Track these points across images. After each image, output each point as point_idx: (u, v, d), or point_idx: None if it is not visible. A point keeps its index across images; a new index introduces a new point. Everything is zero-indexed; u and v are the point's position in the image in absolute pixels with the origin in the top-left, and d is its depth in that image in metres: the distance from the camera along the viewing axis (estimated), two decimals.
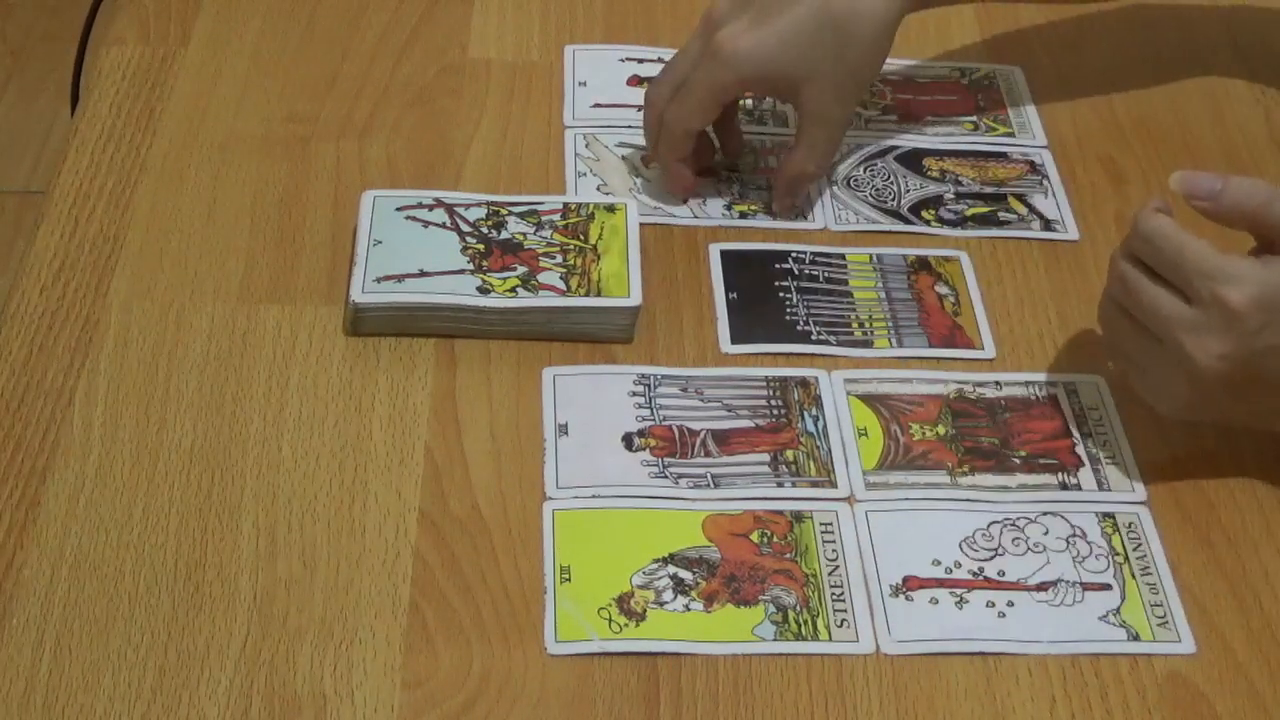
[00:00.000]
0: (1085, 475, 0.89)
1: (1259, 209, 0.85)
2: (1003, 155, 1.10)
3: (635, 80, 1.14)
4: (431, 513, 0.85)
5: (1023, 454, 0.90)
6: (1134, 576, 0.85)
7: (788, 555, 0.84)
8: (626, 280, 0.95)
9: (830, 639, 0.81)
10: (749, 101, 1.12)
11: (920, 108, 1.13)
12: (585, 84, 1.13)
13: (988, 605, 0.83)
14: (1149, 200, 0.86)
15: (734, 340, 0.96)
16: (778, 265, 1.01)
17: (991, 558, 0.85)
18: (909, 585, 0.83)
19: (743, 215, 1.04)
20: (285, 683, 0.77)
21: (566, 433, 0.89)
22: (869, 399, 0.93)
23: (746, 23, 0.98)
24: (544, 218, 0.99)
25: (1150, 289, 0.84)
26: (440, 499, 0.86)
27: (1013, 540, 0.86)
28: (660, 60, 1.15)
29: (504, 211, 0.99)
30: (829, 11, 0.97)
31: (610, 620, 0.81)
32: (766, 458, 0.89)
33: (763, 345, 0.96)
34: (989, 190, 1.07)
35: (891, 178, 1.08)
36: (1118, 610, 0.83)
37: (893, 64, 1.16)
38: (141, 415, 0.89)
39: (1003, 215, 1.06)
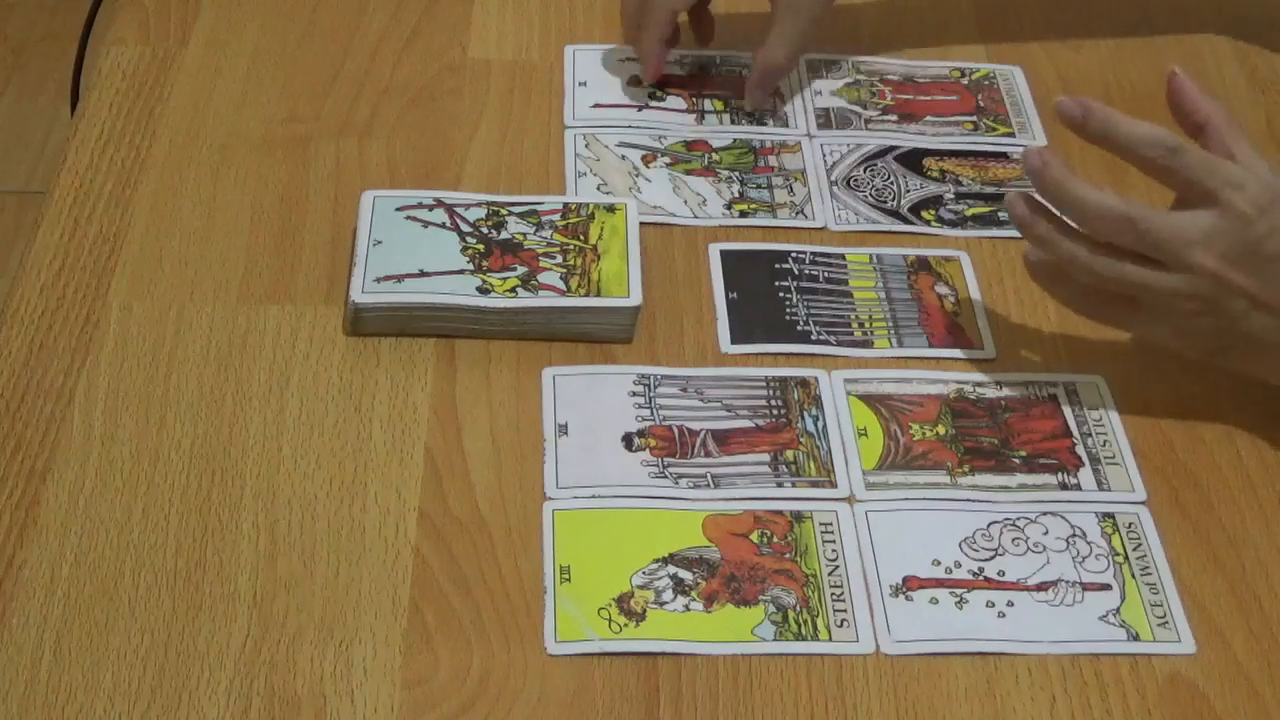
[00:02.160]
0: (1085, 475, 0.89)
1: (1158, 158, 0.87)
2: (1003, 155, 1.10)
3: (635, 80, 1.13)
4: (431, 513, 0.85)
5: (1023, 454, 0.90)
6: (1134, 576, 0.85)
7: (788, 555, 0.84)
8: (626, 280, 0.95)
9: (830, 639, 0.81)
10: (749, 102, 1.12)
11: (920, 108, 1.13)
12: (585, 84, 1.13)
13: (988, 605, 0.83)
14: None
15: (734, 340, 0.96)
16: (778, 265, 1.01)
17: (991, 558, 0.85)
18: (909, 585, 0.83)
19: (742, 215, 1.04)
20: (285, 683, 0.77)
21: (566, 433, 0.89)
22: (869, 399, 0.93)
23: None
24: (544, 218, 0.99)
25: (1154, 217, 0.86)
26: (440, 499, 0.86)
27: (1013, 540, 0.86)
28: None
29: (504, 211, 0.99)
30: None
31: (610, 620, 0.81)
32: (766, 458, 0.89)
33: (763, 345, 0.96)
34: (989, 190, 1.07)
35: (891, 178, 1.08)
36: (1118, 610, 0.83)
37: (893, 64, 1.17)
38: (141, 415, 0.89)
39: (1003, 215, 1.06)
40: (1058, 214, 0.89)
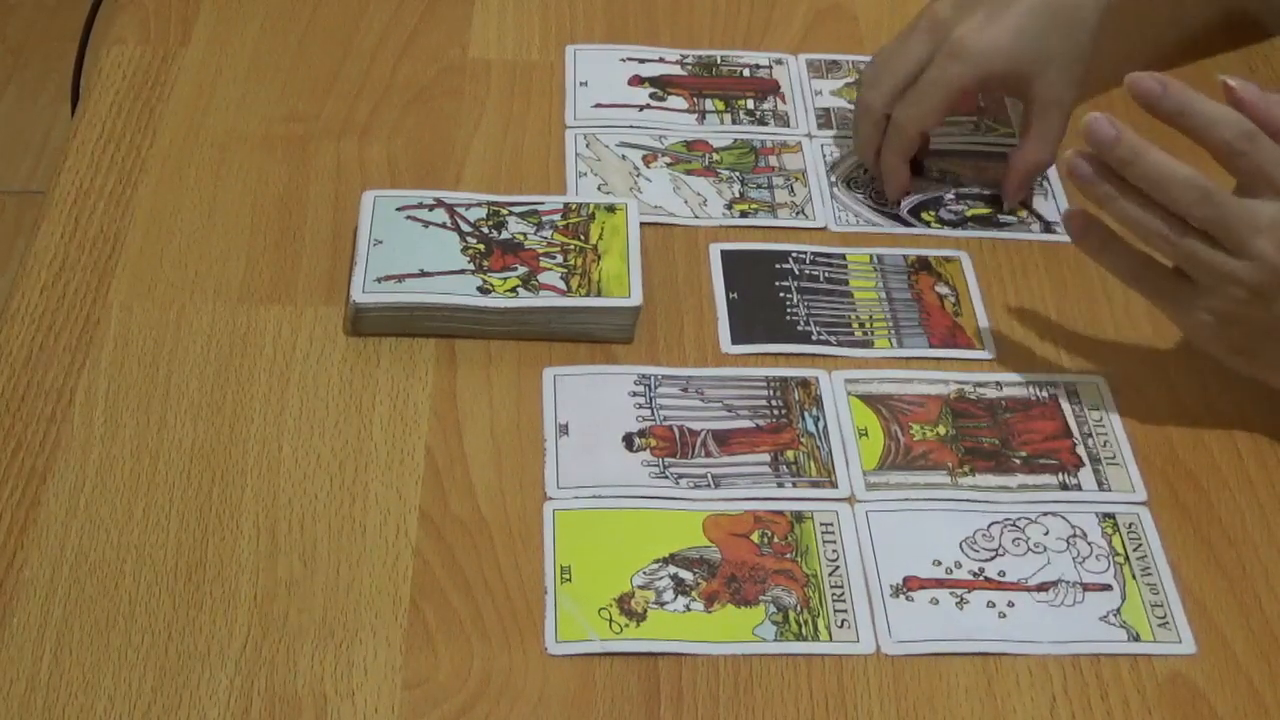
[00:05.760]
0: (1085, 475, 0.89)
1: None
2: (1003, 155, 1.10)
3: (636, 80, 1.14)
4: (432, 513, 0.85)
5: (1023, 454, 0.90)
6: (1134, 577, 0.85)
7: (788, 555, 0.84)
8: (627, 280, 0.95)
9: (831, 639, 0.81)
10: (749, 102, 1.12)
11: None
12: (586, 84, 1.13)
13: (988, 605, 0.83)
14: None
15: (734, 340, 0.96)
16: (778, 265, 1.01)
17: (992, 558, 0.85)
18: (909, 585, 0.83)
19: (743, 215, 1.04)
20: (286, 683, 0.77)
21: (567, 433, 0.89)
22: (869, 399, 0.93)
23: (980, 20, 1.00)
24: (544, 218, 0.99)
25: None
26: (441, 499, 0.86)
27: (1013, 540, 0.86)
28: (662, 60, 1.15)
29: (504, 211, 0.99)
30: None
31: (611, 620, 0.81)
32: (767, 458, 0.89)
33: (763, 345, 0.96)
34: (989, 191, 1.07)
35: None
36: (1118, 611, 0.83)
37: None
38: (141, 415, 0.89)
39: (1003, 216, 1.06)
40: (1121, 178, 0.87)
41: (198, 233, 1.00)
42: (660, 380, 0.93)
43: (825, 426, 0.91)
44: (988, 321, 0.98)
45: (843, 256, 1.02)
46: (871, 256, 1.02)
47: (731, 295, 0.98)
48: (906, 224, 1.04)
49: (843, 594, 0.83)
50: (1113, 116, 0.87)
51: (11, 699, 0.76)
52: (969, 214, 1.06)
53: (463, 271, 0.95)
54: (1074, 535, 0.86)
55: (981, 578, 0.84)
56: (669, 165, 1.07)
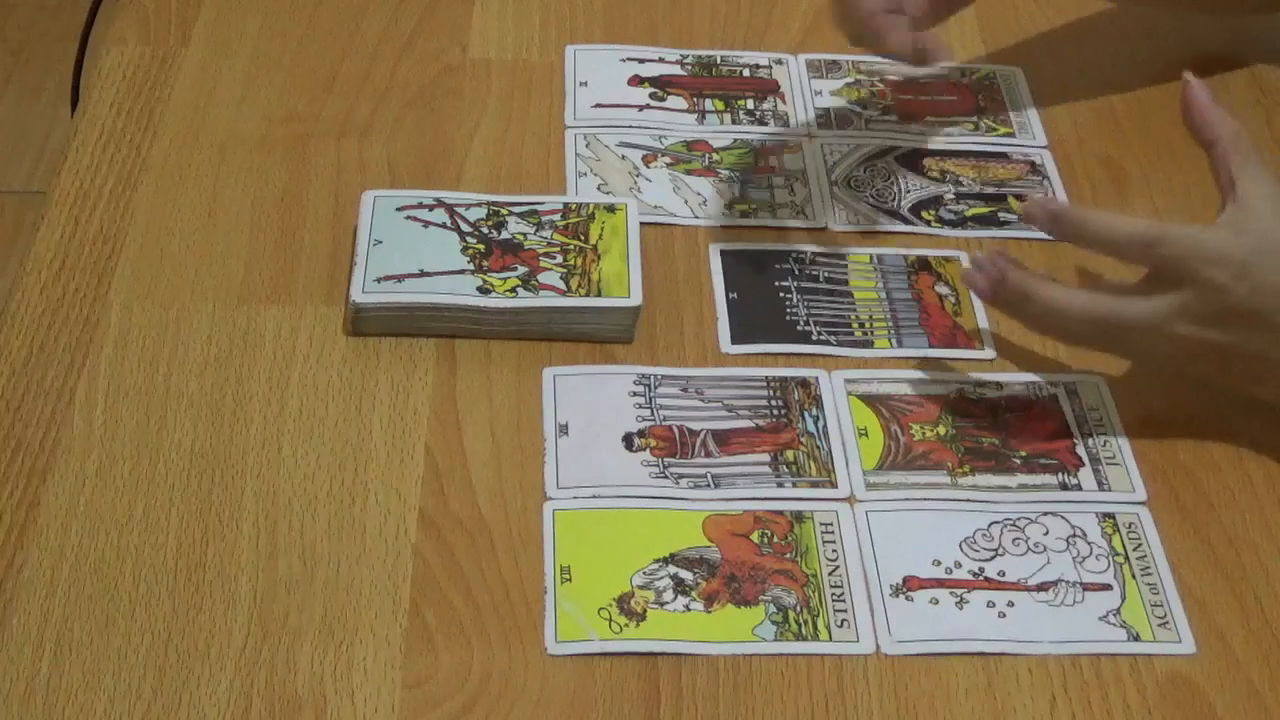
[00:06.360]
0: (1085, 475, 0.89)
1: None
2: (1003, 155, 1.10)
3: (636, 80, 1.14)
4: (431, 513, 0.85)
5: (1023, 454, 0.90)
6: (1134, 577, 0.85)
7: (788, 555, 0.84)
8: (627, 280, 0.95)
9: (830, 639, 0.81)
10: (749, 102, 1.12)
11: (920, 108, 1.13)
12: (586, 84, 1.13)
13: (988, 605, 0.83)
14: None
15: (734, 340, 0.96)
16: (778, 265, 1.01)
17: (992, 558, 0.85)
18: (909, 585, 0.83)
19: (743, 215, 1.04)
20: (285, 683, 0.77)
21: (567, 433, 0.89)
22: (869, 399, 0.93)
23: None
24: (544, 218, 0.99)
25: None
26: (440, 499, 0.86)
27: (1013, 540, 0.86)
28: (661, 60, 1.15)
29: (504, 211, 0.99)
30: None
31: (610, 620, 0.81)
32: (767, 458, 0.89)
33: (763, 345, 0.96)
34: (989, 190, 1.07)
35: (892, 178, 1.08)
36: (1118, 610, 0.83)
37: (892, 64, 1.16)
38: (141, 415, 0.89)
39: (1003, 216, 1.06)
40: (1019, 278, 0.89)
41: (198, 233, 1.00)
42: (660, 380, 0.93)
43: (825, 426, 0.91)
44: (988, 321, 0.98)
45: (843, 256, 1.02)
46: (871, 256, 1.02)
47: (731, 295, 0.98)
48: (907, 224, 1.04)
49: (842, 594, 0.83)
50: (1048, 198, 0.91)
51: (11, 699, 0.76)
52: (969, 214, 1.06)
53: (463, 271, 0.95)
54: (1074, 535, 0.86)
55: (981, 577, 0.84)
56: (669, 165, 1.07)
